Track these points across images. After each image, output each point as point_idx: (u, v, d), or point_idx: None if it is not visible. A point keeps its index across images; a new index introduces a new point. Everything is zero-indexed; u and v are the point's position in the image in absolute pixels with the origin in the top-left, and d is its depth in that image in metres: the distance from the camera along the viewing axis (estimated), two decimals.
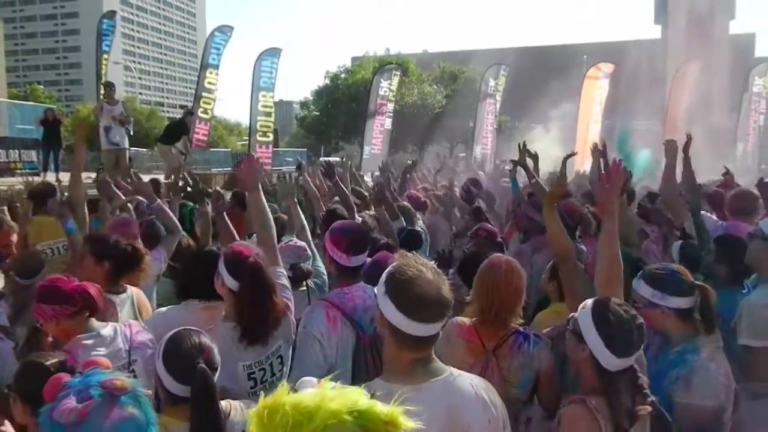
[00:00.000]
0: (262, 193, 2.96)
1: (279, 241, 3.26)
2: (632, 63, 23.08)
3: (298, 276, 3.44)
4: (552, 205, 2.99)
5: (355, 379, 2.33)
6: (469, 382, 1.86)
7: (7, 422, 2.03)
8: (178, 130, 12.79)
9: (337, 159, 37.39)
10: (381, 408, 1.07)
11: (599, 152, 6.01)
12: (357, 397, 1.08)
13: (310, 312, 2.66)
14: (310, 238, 4.01)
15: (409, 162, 10.25)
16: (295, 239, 3.71)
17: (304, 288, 3.59)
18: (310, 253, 3.65)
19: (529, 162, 5.74)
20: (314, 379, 1.17)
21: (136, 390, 1.44)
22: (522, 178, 6.19)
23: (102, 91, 13.05)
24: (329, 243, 2.74)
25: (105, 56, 15.21)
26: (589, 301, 2.16)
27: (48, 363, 1.97)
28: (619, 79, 21.51)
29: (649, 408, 2.01)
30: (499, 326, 2.61)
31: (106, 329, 2.64)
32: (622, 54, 26.23)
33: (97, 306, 2.61)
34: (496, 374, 2.51)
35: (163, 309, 2.93)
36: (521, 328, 2.66)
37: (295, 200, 4.29)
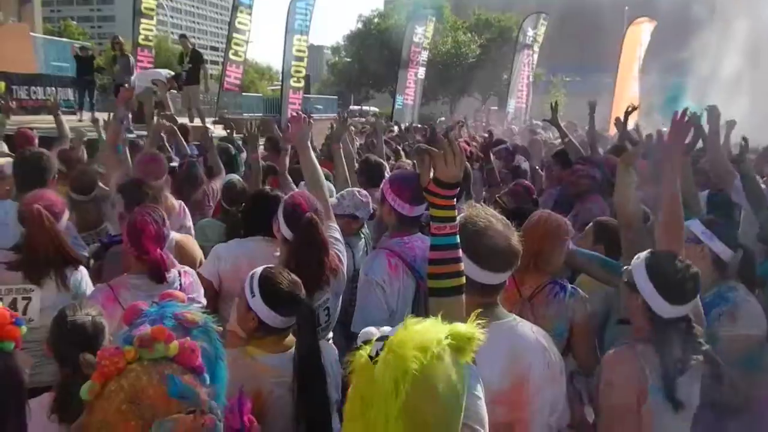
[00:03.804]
0: (312, 152, 3.01)
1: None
2: (677, 14, 21.98)
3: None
4: (627, 167, 2.85)
5: None
6: (530, 328, 2.01)
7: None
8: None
9: (373, 109, 37.09)
10: (462, 327, 1.16)
11: (622, 124, 5.93)
12: (438, 325, 1.15)
13: (372, 260, 2.74)
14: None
15: (460, 122, 10.45)
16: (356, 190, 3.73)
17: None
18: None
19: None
20: (374, 329, 1.20)
21: (208, 325, 1.47)
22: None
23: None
24: (390, 193, 2.75)
25: None
26: (643, 253, 2.19)
27: (77, 317, 2.03)
28: (663, 30, 20.59)
29: (701, 357, 2.03)
30: (537, 275, 2.65)
31: None
32: (667, 4, 25.06)
33: (160, 276, 2.62)
34: (531, 321, 2.54)
35: (233, 241, 3.07)
36: (559, 279, 2.70)
37: (340, 145, 4.29)
